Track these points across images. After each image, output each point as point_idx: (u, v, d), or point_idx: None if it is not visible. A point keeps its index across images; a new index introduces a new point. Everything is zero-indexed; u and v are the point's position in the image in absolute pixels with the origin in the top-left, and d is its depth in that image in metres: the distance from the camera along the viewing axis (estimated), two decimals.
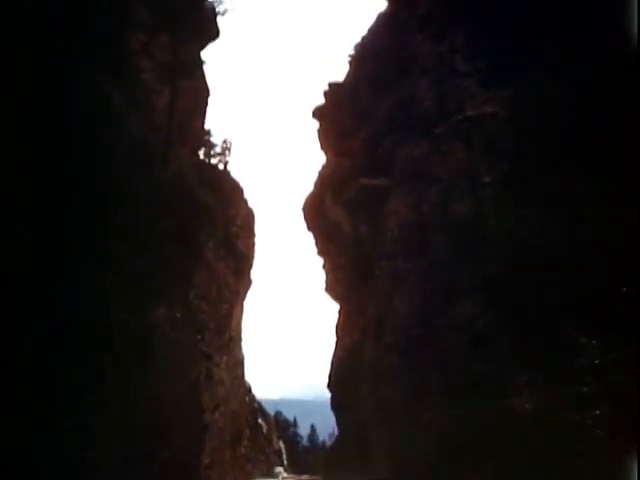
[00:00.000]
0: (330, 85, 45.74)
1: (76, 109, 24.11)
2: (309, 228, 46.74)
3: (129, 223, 26.36)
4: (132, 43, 31.95)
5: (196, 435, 32.55)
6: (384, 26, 40.64)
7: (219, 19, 41.69)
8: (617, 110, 21.09)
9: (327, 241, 43.79)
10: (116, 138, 27.15)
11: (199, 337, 34.40)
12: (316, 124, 46.66)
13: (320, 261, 45.87)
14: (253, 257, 48.56)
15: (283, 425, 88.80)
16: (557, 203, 22.96)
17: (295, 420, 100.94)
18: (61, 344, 20.60)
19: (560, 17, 24.35)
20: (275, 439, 59.59)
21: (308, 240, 47.11)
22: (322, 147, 46.19)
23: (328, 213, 42.71)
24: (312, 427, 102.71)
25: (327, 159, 45.54)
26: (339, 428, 41.84)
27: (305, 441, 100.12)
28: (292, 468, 61.95)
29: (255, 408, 55.68)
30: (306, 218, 46.71)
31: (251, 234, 48.44)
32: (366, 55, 41.67)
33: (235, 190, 45.78)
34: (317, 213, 44.36)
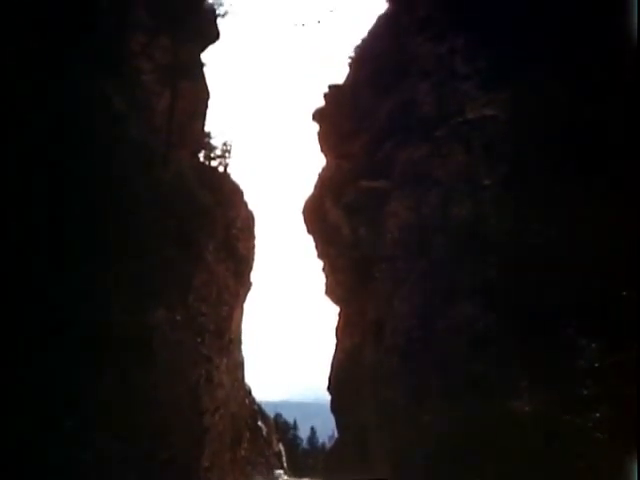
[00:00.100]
0: (330, 87, 45.70)
1: (76, 111, 24.14)
2: (309, 231, 46.67)
3: (129, 225, 26.38)
4: (132, 45, 31.99)
5: (196, 437, 32.52)
6: (384, 28, 40.63)
7: (219, 21, 41.76)
8: (617, 112, 21.11)
9: (327, 244, 43.74)
10: (116, 140, 27.17)
11: (199, 339, 34.39)
12: (316, 126, 46.66)
13: (320, 263, 45.87)
14: (253, 259, 48.57)
15: (283, 427, 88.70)
16: (557, 205, 22.96)
17: (295, 422, 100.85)
18: (61, 345, 20.63)
19: (560, 19, 24.35)
20: (275, 441, 59.53)
21: (308, 243, 47.13)
22: (322, 149, 46.15)
23: (328, 216, 42.67)
24: (312, 429, 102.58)
25: (327, 161, 45.48)
26: (339, 430, 41.79)
27: (305, 443, 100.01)
28: (292, 470, 61.92)
29: (255, 410, 55.64)
30: (306, 221, 46.65)
31: (251, 236, 48.45)
32: (366, 57, 41.65)
33: (235, 192, 45.79)
34: (317, 216, 44.31)
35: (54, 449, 19.42)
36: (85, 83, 25.39)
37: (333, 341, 42.36)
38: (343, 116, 42.11)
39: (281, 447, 60.83)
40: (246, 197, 47.89)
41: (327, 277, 44.73)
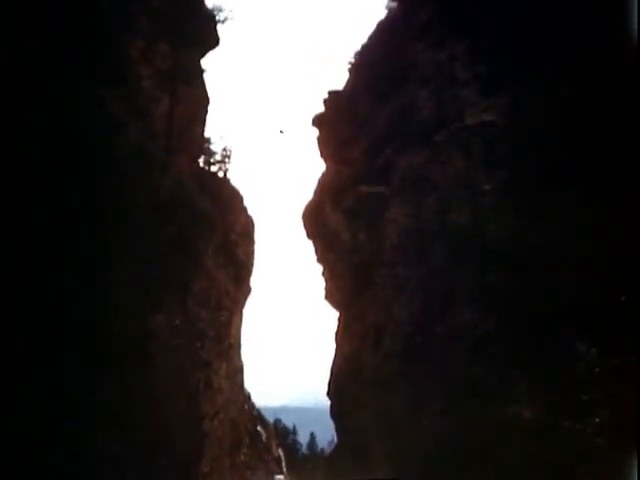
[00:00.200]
0: (330, 93, 45.71)
1: (76, 116, 24.19)
2: (308, 236, 46.63)
3: (129, 230, 26.39)
4: (132, 51, 32.00)
5: (195, 443, 32.48)
6: (384, 34, 40.68)
7: (219, 27, 41.79)
8: (618, 118, 21.15)
9: (326, 249, 43.71)
10: (116, 145, 27.20)
11: (198, 344, 34.35)
12: (316, 132, 46.68)
13: (319, 268, 45.85)
14: (253, 265, 48.43)
15: (282, 433, 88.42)
16: (556, 211, 23.00)
17: (294, 428, 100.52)
18: (61, 350, 20.66)
19: (559, 26, 24.42)
20: (274, 447, 59.34)
21: (307, 248, 47.09)
22: (322, 155, 46.13)
23: (327, 221, 42.65)
24: (311, 435, 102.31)
25: (327, 167, 45.47)
26: (338, 436, 41.71)
27: (304, 449, 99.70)
28: (291, 476, 61.73)
29: (254, 416, 55.51)
30: (305, 226, 46.62)
31: (251, 242, 48.33)
32: (366, 63, 41.69)
33: (235, 198, 45.71)
34: (316, 221, 44.29)
35: (53, 453, 19.44)
36: (85, 89, 25.44)
37: (332, 346, 42.37)
38: (343, 122, 42.14)
39: (280, 452, 60.63)
40: (246, 202, 47.84)
41: (327, 282, 44.69)
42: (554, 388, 21.46)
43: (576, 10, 23.88)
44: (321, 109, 46.34)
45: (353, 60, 43.91)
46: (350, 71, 44.03)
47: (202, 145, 43.26)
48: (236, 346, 45.07)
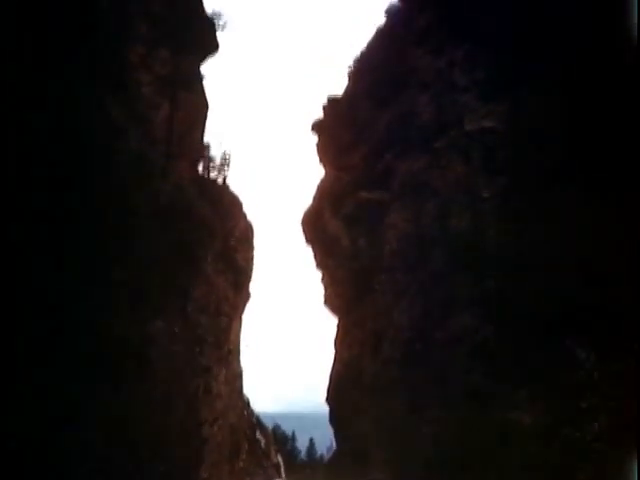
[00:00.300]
0: (329, 99, 45.73)
1: (75, 122, 24.20)
2: (308, 241, 46.61)
3: (128, 236, 26.40)
4: (132, 57, 32.05)
5: (194, 449, 32.46)
6: (383, 40, 40.72)
7: (219, 33, 41.85)
8: (617, 123, 21.18)
9: (326, 254, 43.69)
10: (115, 151, 27.23)
11: (198, 350, 34.36)
12: (315, 138, 46.70)
13: (319, 274, 45.82)
14: (252, 270, 48.46)
15: (281, 439, 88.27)
16: (556, 217, 23.01)
17: (293, 434, 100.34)
18: (60, 356, 20.64)
19: (559, 31, 24.45)
20: (273, 453, 59.27)
21: (307, 253, 47.07)
22: (321, 161, 46.13)
23: (327, 227, 42.64)
24: (311, 441, 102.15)
25: (326, 173, 45.45)
26: (337, 442, 41.63)
27: (303, 455, 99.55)
28: None
29: (253, 422, 55.48)
30: (305, 232, 46.59)
31: (250, 247, 48.35)
32: (365, 69, 41.73)
33: (234, 204, 45.74)
34: (316, 227, 44.27)
35: (52, 457, 19.43)
36: (85, 94, 25.47)
37: (332, 352, 42.33)
38: (342, 128, 42.16)
39: (279, 458, 60.54)
40: (245, 208, 47.88)
41: (326, 288, 44.65)
42: (554, 393, 21.44)
43: (576, 14, 23.92)
44: (320, 115, 46.41)
45: (352, 66, 43.98)
46: (349, 77, 44.07)
47: (202, 151, 43.34)
48: (235, 352, 45.06)
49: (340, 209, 40.15)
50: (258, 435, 54.89)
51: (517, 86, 26.06)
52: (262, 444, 55.10)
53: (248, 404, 53.36)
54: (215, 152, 44.53)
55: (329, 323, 44.16)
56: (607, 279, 20.46)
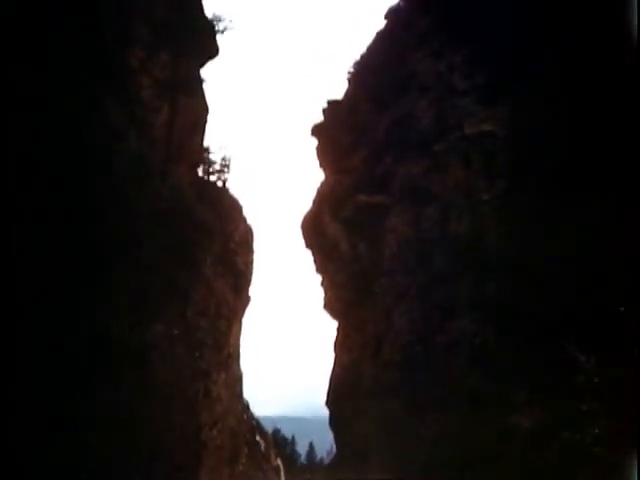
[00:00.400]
0: (329, 103, 45.81)
1: (76, 124, 24.20)
2: (307, 245, 46.62)
3: (127, 239, 26.39)
4: (132, 60, 32.07)
5: (194, 452, 32.40)
6: (383, 44, 40.78)
7: (219, 37, 41.86)
8: (617, 126, 21.19)
9: (326, 258, 43.70)
10: (115, 154, 27.22)
11: (197, 354, 34.29)
12: (315, 141, 46.75)
13: (319, 278, 45.82)
14: (252, 274, 48.40)
15: (281, 443, 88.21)
16: (556, 220, 23.02)
17: (293, 438, 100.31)
18: (60, 359, 20.62)
19: (559, 36, 24.48)
20: (273, 457, 59.12)
21: (307, 257, 47.09)
22: (321, 164, 46.18)
23: (327, 230, 42.67)
24: (310, 445, 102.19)
25: (326, 176, 45.49)
26: (337, 446, 41.61)
27: (303, 458, 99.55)
28: None
29: (253, 425, 55.36)
30: (304, 235, 46.62)
31: (250, 251, 48.28)
32: (365, 73, 41.80)
33: (234, 207, 45.70)
34: (316, 230, 44.30)
35: (52, 459, 19.41)
36: (85, 98, 25.48)
37: (332, 356, 42.34)
38: (342, 131, 42.21)
39: (279, 462, 60.41)
40: (245, 212, 47.86)
41: (326, 292, 44.65)
42: (553, 397, 21.44)
43: (576, 17, 23.96)
44: (320, 119, 46.47)
45: (352, 69, 44.05)
46: (349, 80, 44.15)
47: (201, 154, 43.32)
48: (235, 355, 45.00)
49: (340, 212, 40.18)
50: (258, 438, 54.76)
51: (516, 90, 26.10)
52: (262, 447, 54.96)
53: (248, 407, 53.24)
54: (215, 155, 44.50)
55: (329, 327, 44.20)
56: (607, 283, 20.47)
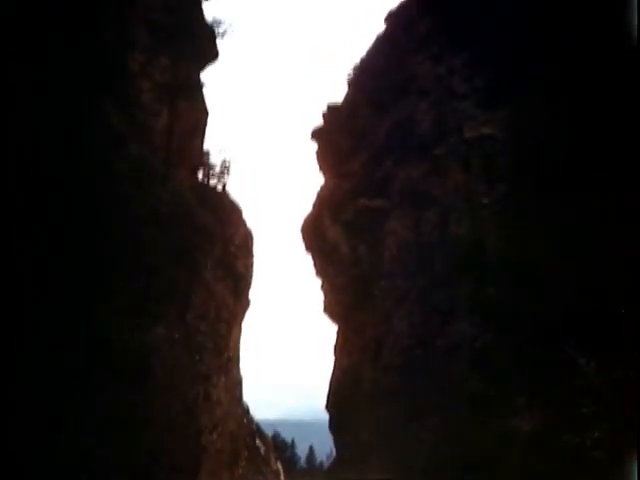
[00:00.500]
0: (329, 107, 45.82)
1: (76, 130, 24.23)
2: (307, 249, 46.60)
3: (127, 243, 26.41)
4: (132, 64, 32.09)
5: (194, 456, 32.38)
6: (382, 48, 40.81)
7: (218, 41, 41.89)
8: (617, 130, 21.22)
9: (325, 262, 43.67)
10: (115, 158, 27.25)
11: (197, 357, 34.29)
12: (315, 145, 46.76)
13: (318, 281, 45.80)
14: (252, 277, 48.39)
15: (281, 446, 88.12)
16: (555, 223, 23.04)
17: (293, 441, 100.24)
18: (60, 362, 20.64)
19: (558, 38, 24.50)
20: (273, 460, 59.02)
21: (306, 261, 47.06)
22: (321, 168, 46.18)
23: (326, 234, 42.65)
24: (310, 448, 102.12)
25: (325, 180, 45.48)
26: (337, 449, 41.56)
27: (303, 462, 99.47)
28: None
29: (253, 429, 55.31)
30: (304, 239, 46.60)
31: (250, 254, 48.27)
32: (364, 76, 41.81)
33: (234, 211, 45.70)
34: (315, 234, 44.28)
35: (52, 463, 19.42)
36: (84, 101, 25.51)
37: (331, 359, 42.31)
38: (342, 135, 42.22)
39: (279, 466, 60.33)
40: (245, 215, 47.84)
41: (326, 295, 44.62)
42: (553, 401, 21.44)
43: (576, 21, 23.98)
44: (320, 122, 46.48)
45: (352, 73, 44.05)
46: (349, 84, 44.15)
47: (201, 158, 43.33)
48: (235, 359, 44.98)
49: (340, 216, 40.17)
50: (258, 442, 54.71)
51: (516, 93, 26.11)
52: (262, 451, 54.91)
53: (247, 411, 53.17)
54: (215, 159, 44.51)
55: (329, 330, 44.16)
56: (607, 286, 20.48)
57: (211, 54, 41.80)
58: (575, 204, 22.20)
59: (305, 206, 47.31)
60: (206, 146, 43.90)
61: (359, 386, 35.12)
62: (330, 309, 43.68)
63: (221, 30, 41.34)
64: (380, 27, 42.54)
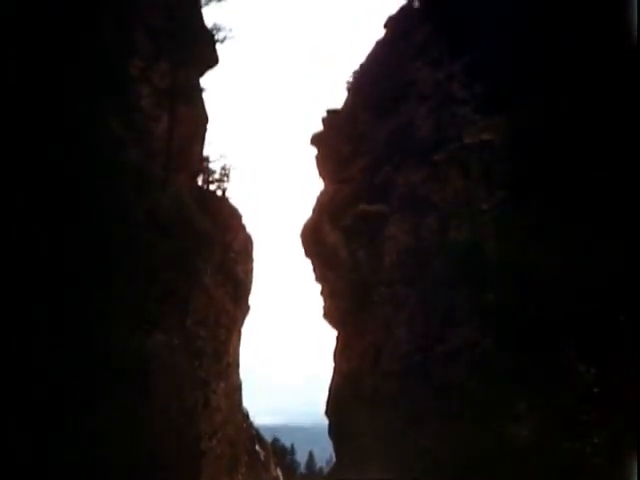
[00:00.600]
0: (328, 112, 45.93)
1: (75, 135, 24.22)
2: (307, 254, 46.60)
3: (127, 248, 26.39)
4: (131, 69, 32.09)
5: (193, 462, 32.33)
6: (382, 53, 40.90)
7: (219, 46, 41.93)
8: (618, 133, 21.21)
9: (325, 267, 43.66)
10: (115, 163, 27.22)
11: (197, 363, 34.26)
12: (314, 151, 46.83)
13: (318, 287, 45.79)
14: (251, 283, 48.38)
15: (281, 452, 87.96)
16: (555, 229, 23.03)
17: (293, 447, 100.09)
18: (60, 368, 20.61)
19: (557, 45, 24.52)
20: (273, 466, 58.99)
21: (306, 266, 47.06)
22: (320, 174, 46.25)
23: (326, 239, 42.65)
24: (310, 454, 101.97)
25: (325, 185, 45.53)
26: (337, 455, 41.50)
27: (303, 468, 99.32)
28: None
29: (252, 435, 55.25)
30: (304, 244, 46.60)
31: (249, 260, 48.29)
32: (364, 82, 41.89)
33: (233, 216, 45.70)
34: (315, 239, 44.28)
35: (51, 468, 19.39)
36: (85, 106, 25.51)
37: (331, 365, 42.27)
38: (341, 140, 42.27)
39: (279, 472, 60.30)
40: (244, 221, 47.85)
41: (325, 300, 44.60)
42: (553, 407, 21.41)
43: (575, 26, 23.99)
44: (320, 128, 46.56)
45: (352, 79, 44.16)
46: (349, 89, 44.26)
47: (201, 164, 43.36)
48: (234, 365, 44.95)
49: (339, 221, 40.17)
50: (257, 448, 54.66)
51: (516, 100, 26.12)
52: (261, 457, 54.86)
53: (247, 417, 53.17)
54: (215, 165, 44.53)
55: (329, 336, 44.14)
56: (607, 292, 20.45)
57: (211, 59, 41.86)
58: (574, 209, 22.20)
59: (305, 211, 47.38)
60: (206, 151, 43.96)
61: (359, 392, 35.08)
62: (330, 314, 43.66)
63: (221, 35, 41.38)
64: (380, 32, 42.69)
